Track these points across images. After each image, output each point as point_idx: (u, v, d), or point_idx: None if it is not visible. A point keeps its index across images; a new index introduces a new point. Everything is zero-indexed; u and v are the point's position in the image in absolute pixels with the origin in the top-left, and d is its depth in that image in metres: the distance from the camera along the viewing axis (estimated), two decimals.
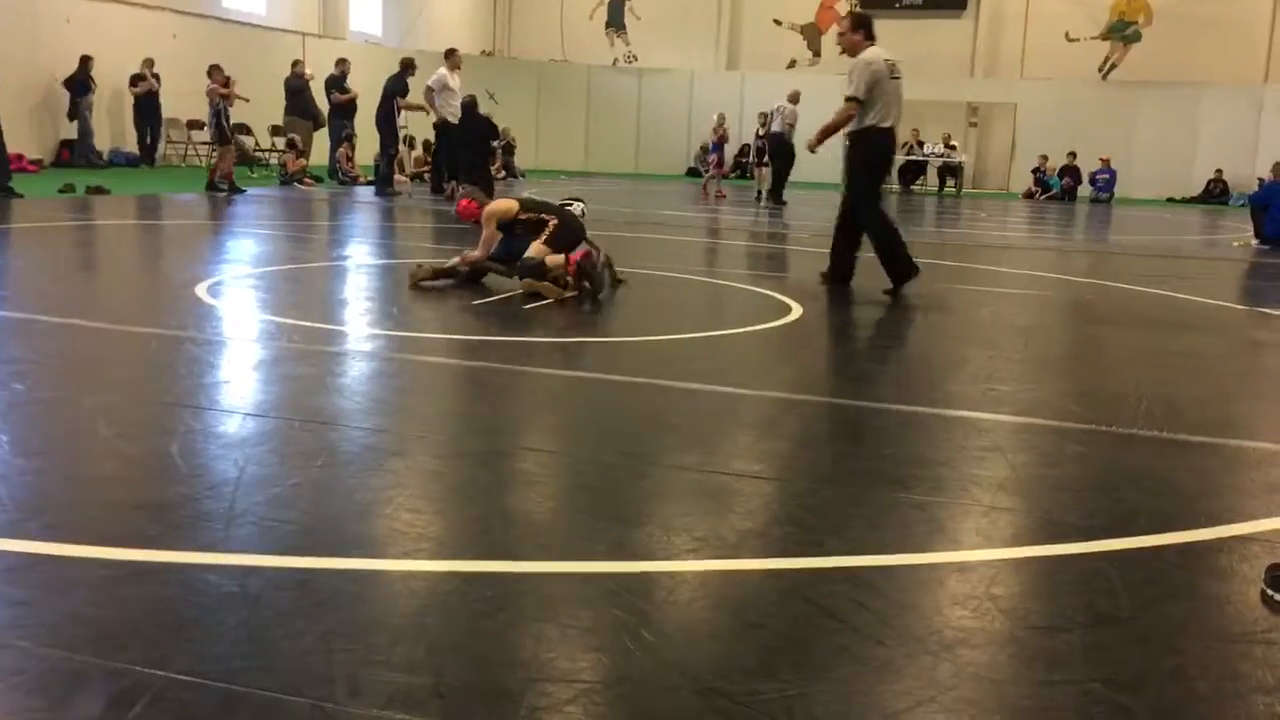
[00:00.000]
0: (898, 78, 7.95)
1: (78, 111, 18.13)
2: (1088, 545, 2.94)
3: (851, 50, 8.06)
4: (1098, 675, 2.22)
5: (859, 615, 2.43)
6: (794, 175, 19.17)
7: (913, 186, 26.14)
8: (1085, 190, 25.12)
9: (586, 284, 6.86)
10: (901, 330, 6.61)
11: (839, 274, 8.13)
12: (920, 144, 26.12)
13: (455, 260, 7.34)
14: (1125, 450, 4.00)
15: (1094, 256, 12.60)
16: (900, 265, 7.83)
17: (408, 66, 16.70)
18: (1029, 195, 25.30)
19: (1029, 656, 2.31)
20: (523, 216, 7.28)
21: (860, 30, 8.10)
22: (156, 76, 19.04)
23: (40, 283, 7.26)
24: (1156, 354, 6.15)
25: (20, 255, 8.66)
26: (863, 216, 8.04)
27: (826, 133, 8.16)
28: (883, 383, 5.06)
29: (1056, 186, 25.12)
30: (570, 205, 7.93)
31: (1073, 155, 25.23)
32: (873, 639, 2.33)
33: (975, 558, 2.85)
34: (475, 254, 7.27)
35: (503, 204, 7.47)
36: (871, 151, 8.02)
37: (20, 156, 16.08)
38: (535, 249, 6.96)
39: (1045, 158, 25.56)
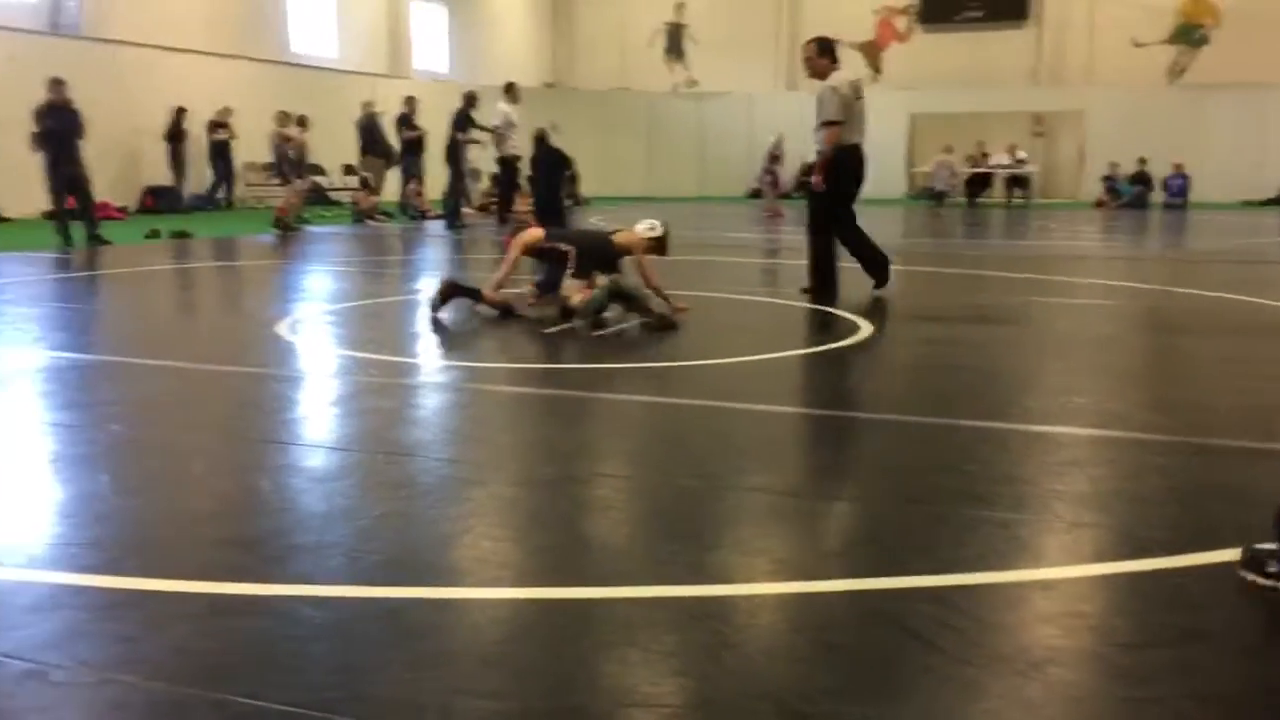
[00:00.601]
0: (861, 98, 8.36)
1: (178, 160, 18.79)
2: (1173, 560, 2.90)
3: (820, 74, 8.37)
4: (1188, 692, 2.19)
5: (944, 635, 2.42)
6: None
7: (978, 199, 25.86)
8: (1158, 196, 24.65)
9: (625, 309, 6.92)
10: (975, 345, 6.55)
11: (822, 282, 8.37)
12: (985, 155, 25.83)
13: (528, 289, 7.50)
14: (1207, 462, 3.93)
15: (1170, 263, 12.37)
16: (878, 264, 8.32)
17: (470, 100, 16.97)
18: (1100, 203, 24.88)
19: (1118, 674, 2.29)
20: (546, 245, 7.41)
21: (826, 55, 8.42)
22: (225, 125, 19.53)
23: (131, 326, 7.50)
24: (1237, 362, 6.02)
25: (112, 300, 8.96)
26: (839, 231, 8.42)
27: (825, 166, 8.35)
28: (958, 399, 5.03)
29: (1129, 194, 24.68)
30: (643, 226, 7.85)
31: (1143, 161, 24.77)
32: (959, 659, 2.32)
33: (1060, 575, 2.83)
34: (497, 275, 7.45)
35: (529, 233, 7.60)
36: (840, 169, 8.30)
37: (107, 204, 16.61)
38: (566, 287, 7.10)
39: (1116, 165, 25.15)
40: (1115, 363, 6.09)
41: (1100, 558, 2.99)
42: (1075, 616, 2.55)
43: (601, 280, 7.04)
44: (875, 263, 8.41)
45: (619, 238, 7.46)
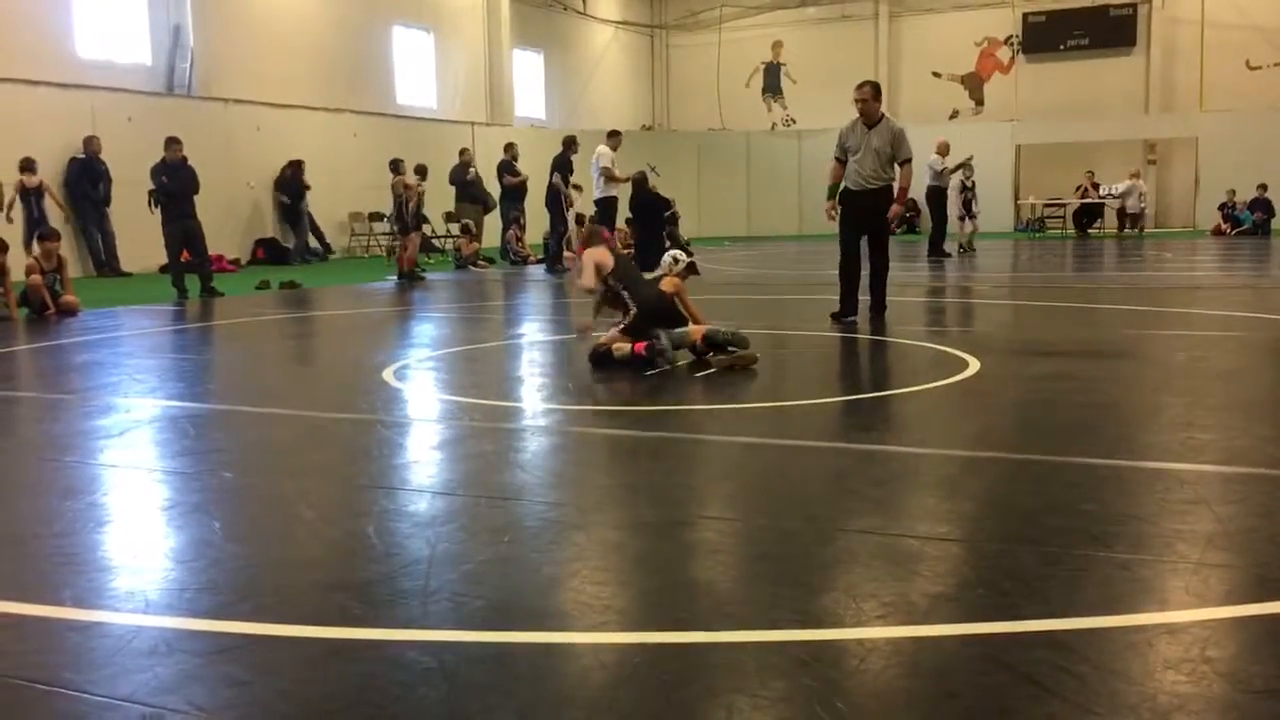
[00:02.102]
0: None
1: (296, 214, 19.36)
2: None
3: (874, 116, 8.96)
4: None
5: (1064, 682, 2.32)
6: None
7: (1089, 230, 25.25)
8: (1279, 223, 23.75)
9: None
10: (1090, 380, 6.35)
11: (850, 310, 9.01)
12: (1095, 186, 25.24)
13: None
14: None
15: None
16: (881, 292, 9.13)
17: (569, 144, 17.19)
18: (1218, 231, 24.08)
19: None
20: (610, 282, 7.30)
21: (879, 98, 9.08)
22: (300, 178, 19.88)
23: (242, 375, 7.72)
24: None
25: (223, 350, 9.24)
26: (885, 253, 9.22)
27: (904, 196, 9.22)
28: (1073, 436, 4.87)
29: (1248, 221, 23.84)
30: (671, 259, 7.87)
31: (1263, 188, 23.90)
32: (1081, 707, 2.22)
33: (1186, 618, 2.70)
34: (581, 282, 7.52)
35: (602, 255, 7.45)
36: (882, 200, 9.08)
37: (220, 257, 17.21)
38: (610, 337, 7.04)
39: (1233, 191, 24.33)
40: (1240, 396, 5.84)
41: (1230, 600, 2.85)
42: (1204, 662, 2.43)
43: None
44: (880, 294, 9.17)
45: (664, 285, 7.35)
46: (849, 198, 9.00)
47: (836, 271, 9.23)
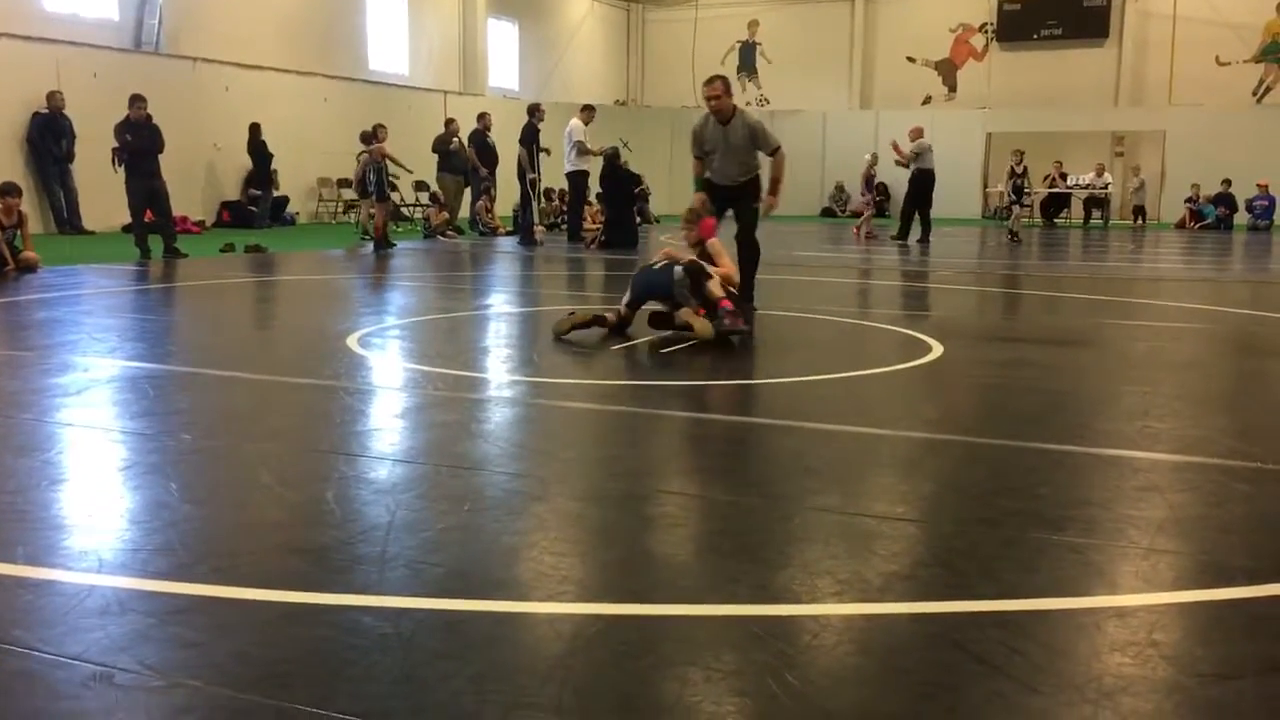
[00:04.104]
0: None
1: (262, 176, 19.11)
2: (1256, 589, 2.80)
3: (727, 111, 8.47)
4: None
5: (1012, 661, 2.36)
6: (934, 212, 18.86)
7: (1056, 220, 25.45)
8: (1242, 217, 24.04)
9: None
10: (1049, 367, 6.42)
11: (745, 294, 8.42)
12: (1063, 176, 25.42)
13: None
14: None
15: (1255, 286, 12.03)
16: (749, 283, 8.52)
17: (534, 111, 17.01)
18: (1182, 225, 24.34)
19: (1197, 706, 2.21)
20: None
21: (730, 93, 8.65)
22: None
23: (204, 338, 7.65)
24: None
25: (186, 312, 9.15)
26: (752, 242, 8.69)
27: (778, 187, 8.74)
28: (1031, 421, 4.92)
29: (1211, 215, 24.11)
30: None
31: (1227, 183, 24.16)
32: (1028, 686, 2.25)
33: (1135, 602, 2.74)
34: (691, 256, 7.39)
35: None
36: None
37: (185, 219, 17.00)
38: (684, 312, 6.98)
39: (1197, 186, 24.59)
40: (1196, 387, 5.93)
41: (1178, 585, 2.90)
42: (1150, 646, 2.47)
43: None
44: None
45: (688, 261, 7.26)
46: (715, 191, 8.55)
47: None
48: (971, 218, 26.72)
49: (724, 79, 8.65)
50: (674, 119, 29.58)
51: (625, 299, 7.19)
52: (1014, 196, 19.98)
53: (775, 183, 8.73)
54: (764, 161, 8.71)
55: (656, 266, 7.20)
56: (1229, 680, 2.30)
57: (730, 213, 8.66)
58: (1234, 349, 7.51)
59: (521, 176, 16.96)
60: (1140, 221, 24.89)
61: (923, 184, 18.19)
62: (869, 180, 20.03)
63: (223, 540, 3.19)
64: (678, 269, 7.04)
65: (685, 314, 6.90)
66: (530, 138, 16.86)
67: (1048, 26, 27.91)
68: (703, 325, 6.73)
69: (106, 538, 3.14)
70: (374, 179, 15.46)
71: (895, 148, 18.63)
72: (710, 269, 7.14)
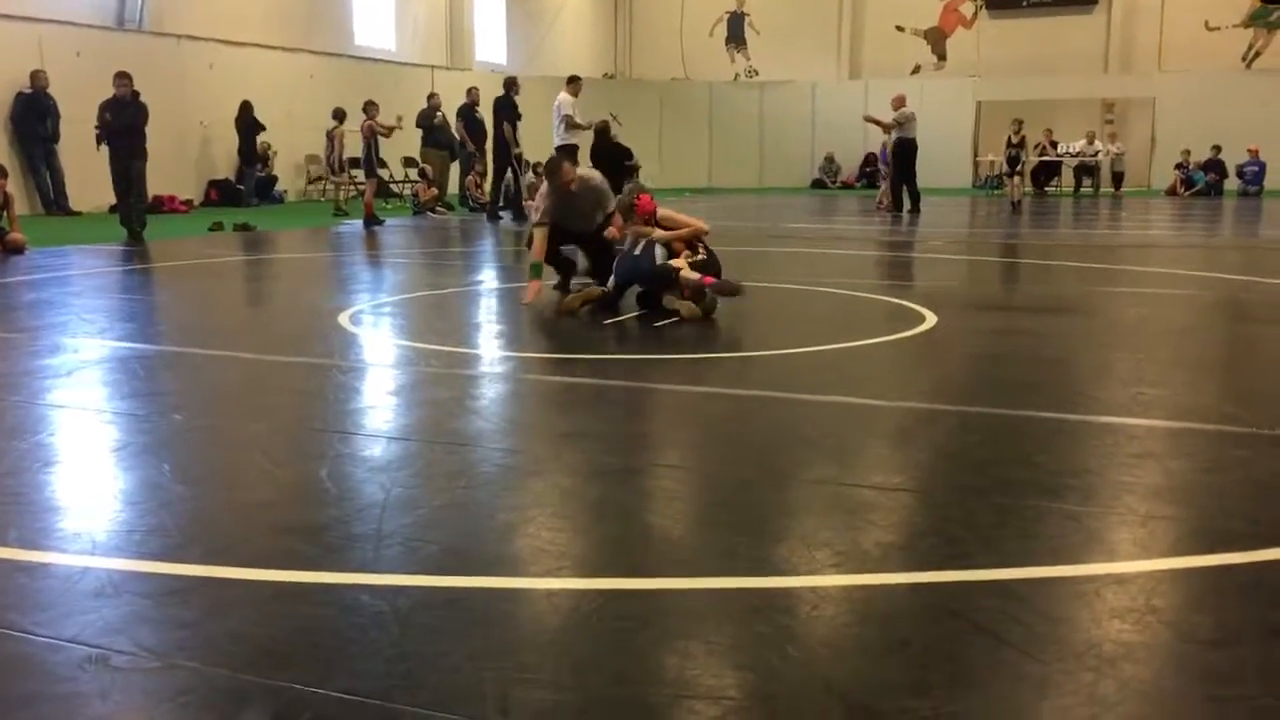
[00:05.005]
0: None
1: (252, 153, 18.97)
2: (1254, 554, 2.80)
3: (570, 182, 7.80)
4: (1272, 690, 2.10)
5: (1012, 630, 2.35)
6: (924, 182, 18.75)
7: (1047, 188, 25.41)
8: (1232, 183, 24.03)
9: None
10: (1043, 336, 6.41)
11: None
12: (1054, 144, 25.36)
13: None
14: None
15: (1246, 252, 12.04)
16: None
17: (511, 85, 16.86)
18: (1172, 191, 24.31)
19: (1197, 671, 2.21)
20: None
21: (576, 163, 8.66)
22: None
23: (194, 317, 7.60)
24: None
25: (175, 291, 9.09)
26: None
27: (620, 222, 8.01)
28: (1026, 390, 4.92)
29: (1201, 181, 24.08)
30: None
31: (1217, 149, 24.13)
32: (1028, 654, 2.25)
33: (1133, 569, 2.74)
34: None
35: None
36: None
37: (173, 198, 16.88)
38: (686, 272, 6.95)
39: (1188, 152, 24.55)
40: (1191, 353, 5.92)
41: (1176, 552, 2.90)
42: (1150, 612, 2.47)
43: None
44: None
45: (657, 235, 7.21)
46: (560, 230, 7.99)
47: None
48: (963, 187, 26.65)
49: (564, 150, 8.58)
50: (663, 92, 29.51)
51: (610, 282, 7.15)
52: (1009, 167, 19.88)
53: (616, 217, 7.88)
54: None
55: (637, 251, 7.14)
56: (1227, 645, 2.30)
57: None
58: (1226, 315, 7.51)
59: (506, 152, 16.85)
60: (1118, 190, 24.87)
61: (905, 153, 17.93)
62: (885, 150, 19.85)
63: (217, 520, 3.17)
64: (659, 249, 7.00)
65: (672, 300, 6.86)
66: (509, 113, 16.73)
67: None
68: (690, 308, 6.71)
69: (100, 519, 3.12)
70: (364, 155, 15.44)
71: (874, 120, 18.51)
72: (674, 242, 7.12)
